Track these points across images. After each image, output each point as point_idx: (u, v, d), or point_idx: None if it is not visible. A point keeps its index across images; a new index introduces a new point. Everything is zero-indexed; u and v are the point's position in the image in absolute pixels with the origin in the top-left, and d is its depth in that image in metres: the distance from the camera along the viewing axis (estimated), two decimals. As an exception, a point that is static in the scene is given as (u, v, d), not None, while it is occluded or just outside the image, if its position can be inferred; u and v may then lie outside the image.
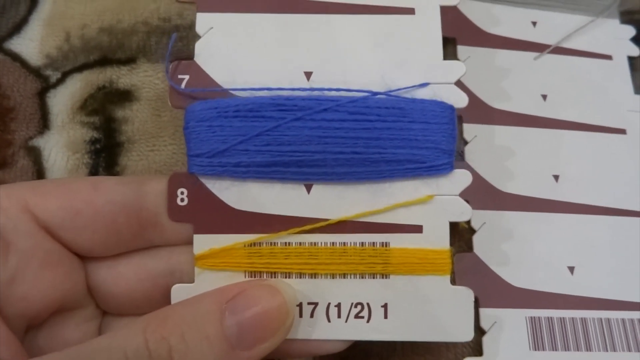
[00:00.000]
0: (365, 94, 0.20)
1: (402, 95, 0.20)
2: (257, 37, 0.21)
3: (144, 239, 0.21)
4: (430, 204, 0.20)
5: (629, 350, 0.23)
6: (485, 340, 0.23)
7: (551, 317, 0.23)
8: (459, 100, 0.21)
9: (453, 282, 0.20)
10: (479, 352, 0.23)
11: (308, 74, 0.21)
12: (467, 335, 0.20)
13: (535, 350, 0.23)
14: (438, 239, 0.20)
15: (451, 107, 0.20)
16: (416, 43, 0.21)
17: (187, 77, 0.21)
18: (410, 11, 0.21)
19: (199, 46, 0.21)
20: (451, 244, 0.20)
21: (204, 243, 0.20)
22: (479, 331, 0.23)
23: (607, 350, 0.23)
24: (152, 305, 0.21)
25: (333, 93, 0.20)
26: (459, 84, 0.20)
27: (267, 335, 0.18)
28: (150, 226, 0.21)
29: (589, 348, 0.23)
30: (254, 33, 0.21)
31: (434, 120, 0.20)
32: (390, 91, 0.20)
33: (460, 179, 0.20)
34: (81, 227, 0.20)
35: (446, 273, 0.20)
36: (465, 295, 0.20)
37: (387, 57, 0.21)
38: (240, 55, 0.21)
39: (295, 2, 0.21)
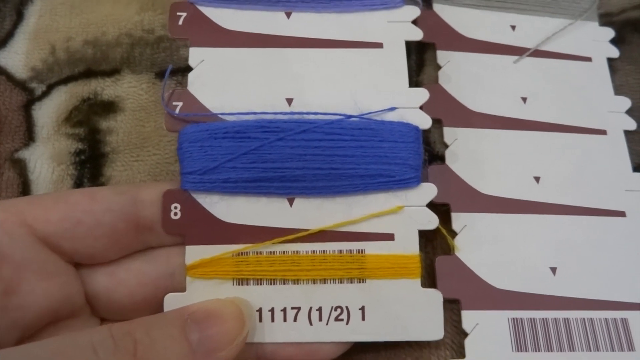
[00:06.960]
0: (340, 116, 0.23)
1: (373, 118, 0.23)
2: (243, 68, 0.24)
3: (142, 241, 0.22)
4: (400, 214, 0.22)
5: (612, 350, 0.22)
6: (468, 342, 0.22)
7: (534, 318, 0.23)
8: (424, 122, 0.23)
9: (424, 285, 0.22)
10: (462, 354, 0.23)
11: (289, 100, 0.23)
12: (437, 334, 0.22)
13: (518, 351, 0.22)
14: (408, 246, 0.22)
15: (416, 128, 0.23)
16: (384, 73, 0.24)
17: (180, 103, 0.23)
18: (379, 45, 0.24)
19: (191, 76, 0.23)
20: (422, 248, 0.22)
21: (195, 253, 0.22)
22: (462, 333, 0.23)
23: (590, 350, 0.22)
24: (154, 307, 0.22)
25: (312, 116, 0.23)
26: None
27: (226, 343, 0.19)
28: (147, 230, 0.22)
29: (572, 348, 0.22)
30: (240, 65, 0.24)
31: (401, 139, 0.23)
32: (362, 114, 0.23)
33: (427, 191, 0.23)
34: (83, 236, 0.21)
35: (416, 276, 0.22)
36: (434, 297, 0.22)
37: (359, 85, 0.24)
38: (228, 84, 0.23)
39: (277, 38, 0.24)
